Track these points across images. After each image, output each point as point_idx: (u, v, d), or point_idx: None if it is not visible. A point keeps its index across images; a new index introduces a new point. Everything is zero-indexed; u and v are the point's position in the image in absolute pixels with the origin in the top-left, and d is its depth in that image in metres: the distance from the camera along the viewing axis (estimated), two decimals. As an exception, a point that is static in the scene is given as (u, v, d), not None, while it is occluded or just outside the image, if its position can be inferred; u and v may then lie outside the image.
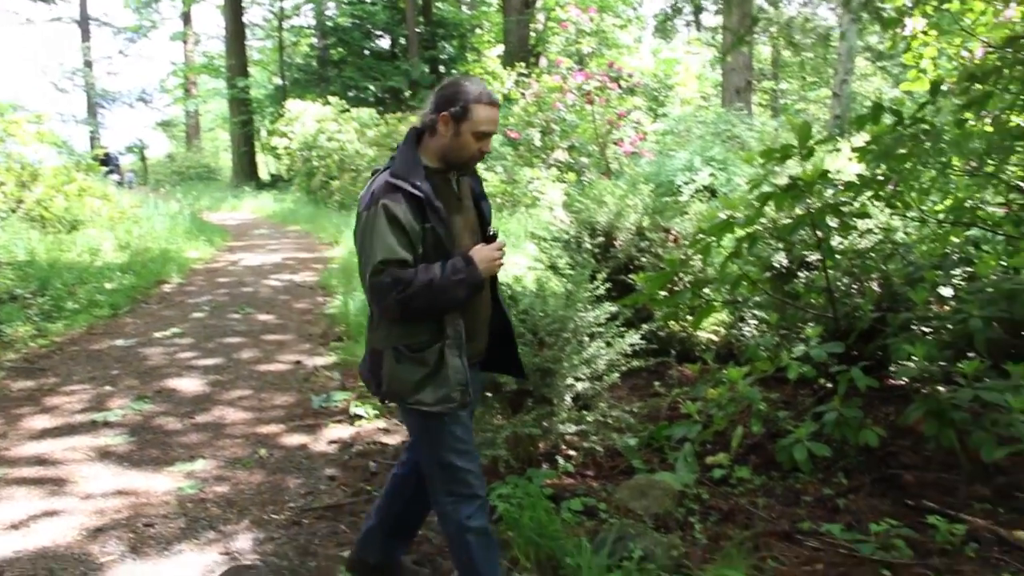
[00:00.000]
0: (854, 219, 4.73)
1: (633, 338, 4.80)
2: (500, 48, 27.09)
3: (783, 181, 4.56)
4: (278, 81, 33.62)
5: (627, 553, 3.42)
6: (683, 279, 6.06)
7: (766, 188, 4.66)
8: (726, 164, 11.94)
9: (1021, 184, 4.92)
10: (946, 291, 4.72)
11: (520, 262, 8.51)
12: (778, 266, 5.53)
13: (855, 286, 5.19)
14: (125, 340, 8.05)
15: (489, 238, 2.97)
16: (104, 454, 5.11)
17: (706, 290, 5.12)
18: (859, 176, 4.70)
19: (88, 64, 44.70)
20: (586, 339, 4.63)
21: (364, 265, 2.81)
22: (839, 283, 5.15)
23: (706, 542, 3.71)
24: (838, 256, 5.08)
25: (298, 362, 7.23)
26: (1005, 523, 3.65)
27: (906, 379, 4.35)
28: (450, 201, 2.94)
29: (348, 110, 22.23)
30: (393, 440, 5.26)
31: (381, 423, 5.58)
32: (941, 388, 3.98)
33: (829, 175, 4.56)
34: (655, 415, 5.18)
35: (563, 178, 14.16)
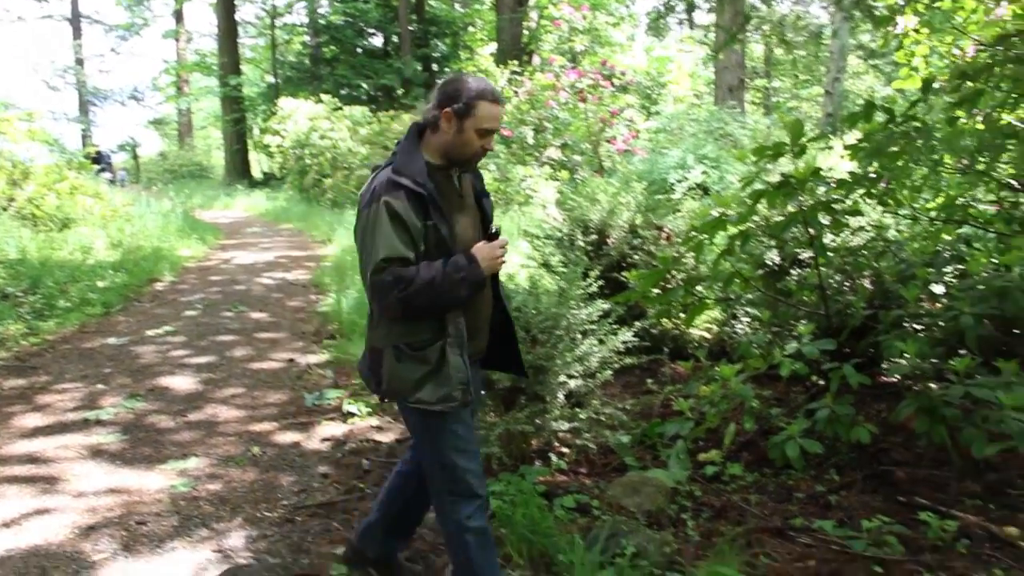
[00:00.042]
0: (846, 217, 4.75)
1: (626, 335, 4.81)
2: (493, 46, 27.10)
3: (775, 179, 4.57)
4: (271, 79, 33.56)
5: (620, 550, 3.43)
6: (676, 277, 6.07)
7: (758, 186, 4.68)
8: (719, 162, 11.96)
9: (1012, 182, 4.94)
10: (938, 288, 4.75)
11: (513, 260, 8.51)
12: (770, 264, 5.55)
13: (847, 283, 5.21)
14: (117, 338, 8.03)
15: (491, 236, 2.92)
16: (96, 452, 5.09)
17: (699, 287, 5.13)
18: (851, 174, 4.71)
19: (80, 62, 44.62)
20: (579, 336, 4.63)
21: (365, 263, 2.77)
22: (831, 280, 5.16)
23: (699, 539, 3.72)
24: (830, 254, 5.10)
25: (291, 360, 7.22)
26: (996, 519, 3.67)
27: (898, 376, 4.37)
28: (452, 198, 2.91)
29: (341, 108, 22.19)
30: (386, 438, 5.26)
31: (374, 421, 5.58)
32: (933, 385, 4.00)
33: (821, 173, 4.57)
34: (648, 412, 5.19)
35: (556, 176, 14.16)
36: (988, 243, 4.91)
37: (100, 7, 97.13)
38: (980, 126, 4.82)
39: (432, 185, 2.76)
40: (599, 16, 27.97)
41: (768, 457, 4.22)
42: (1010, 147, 4.62)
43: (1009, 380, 3.67)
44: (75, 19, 44.38)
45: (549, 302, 4.66)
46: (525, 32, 25.45)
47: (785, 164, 4.76)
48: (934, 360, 4.09)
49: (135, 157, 39.01)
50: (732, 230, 4.79)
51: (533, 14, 26.86)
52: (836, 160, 9.47)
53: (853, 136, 5.52)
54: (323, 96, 22.91)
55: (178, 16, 41.53)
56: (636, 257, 6.42)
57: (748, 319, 5.87)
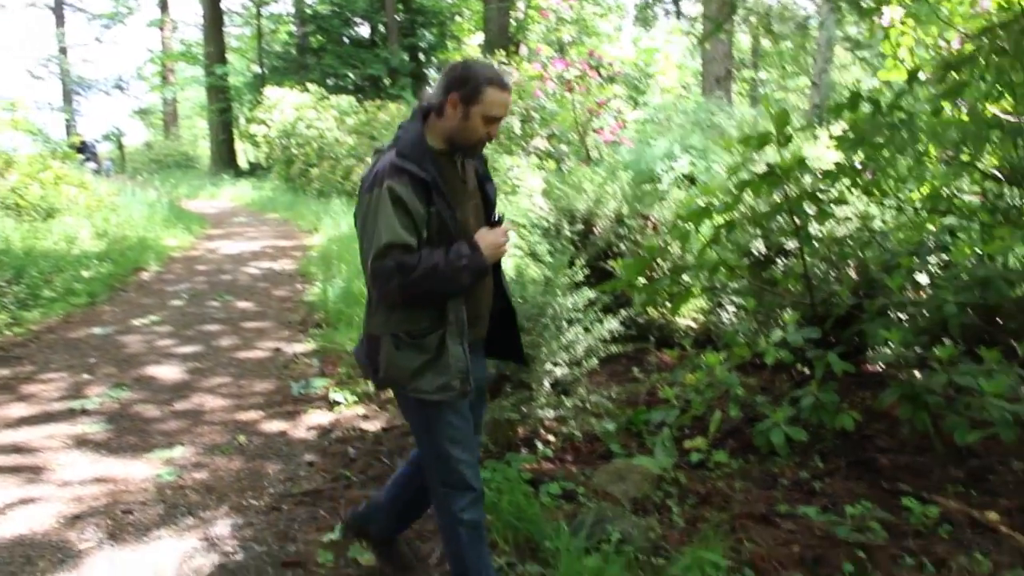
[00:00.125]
0: (832, 206, 4.77)
1: (612, 324, 4.82)
2: (480, 36, 27.03)
3: (761, 169, 4.59)
4: (257, 68, 33.37)
5: (605, 536, 3.45)
6: (662, 266, 6.09)
7: (744, 175, 4.69)
8: (706, 152, 11.96)
9: (996, 173, 4.97)
10: (922, 278, 4.78)
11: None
12: (756, 253, 5.57)
13: (832, 273, 5.24)
14: (103, 328, 7.99)
15: (494, 223, 2.88)
16: (82, 442, 5.08)
17: (684, 277, 5.15)
18: (837, 164, 4.73)
19: (63, 51, 44.20)
20: (565, 325, 4.64)
21: (366, 248, 2.69)
22: (816, 270, 5.19)
23: (684, 525, 3.74)
24: (816, 243, 5.13)
25: (277, 349, 7.22)
26: (978, 505, 3.71)
27: (882, 364, 4.41)
28: (455, 184, 2.84)
29: (327, 98, 22.10)
30: (372, 426, 5.26)
31: (360, 409, 5.58)
32: (916, 373, 4.03)
33: (807, 163, 4.59)
34: (634, 400, 5.21)
35: (543, 166, 14.15)
36: (972, 233, 4.94)
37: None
38: (965, 117, 4.84)
39: (435, 170, 2.71)
40: (586, 6, 27.91)
41: (753, 444, 4.25)
42: (994, 138, 4.65)
43: (991, 368, 3.71)
44: (58, 7, 43.95)
45: (535, 291, 4.67)
46: (512, 22, 25.40)
47: (771, 154, 4.77)
48: (918, 348, 4.12)
49: (120, 147, 38.70)
50: (718, 219, 4.81)
51: (520, 4, 26.79)
52: (822, 150, 9.49)
53: (840, 127, 5.54)
54: (309, 86, 22.81)
55: (163, 5, 41.17)
56: (622, 246, 6.44)
57: (734, 308, 5.89)
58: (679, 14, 30.09)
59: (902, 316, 4.57)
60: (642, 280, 5.17)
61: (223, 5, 33.55)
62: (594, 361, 4.73)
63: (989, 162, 5.05)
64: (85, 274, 10.06)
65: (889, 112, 4.55)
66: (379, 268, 2.63)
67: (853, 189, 4.93)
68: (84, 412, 5.60)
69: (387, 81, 27.85)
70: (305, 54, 30.90)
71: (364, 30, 31.61)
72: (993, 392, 3.56)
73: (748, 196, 4.95)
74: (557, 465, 4.42)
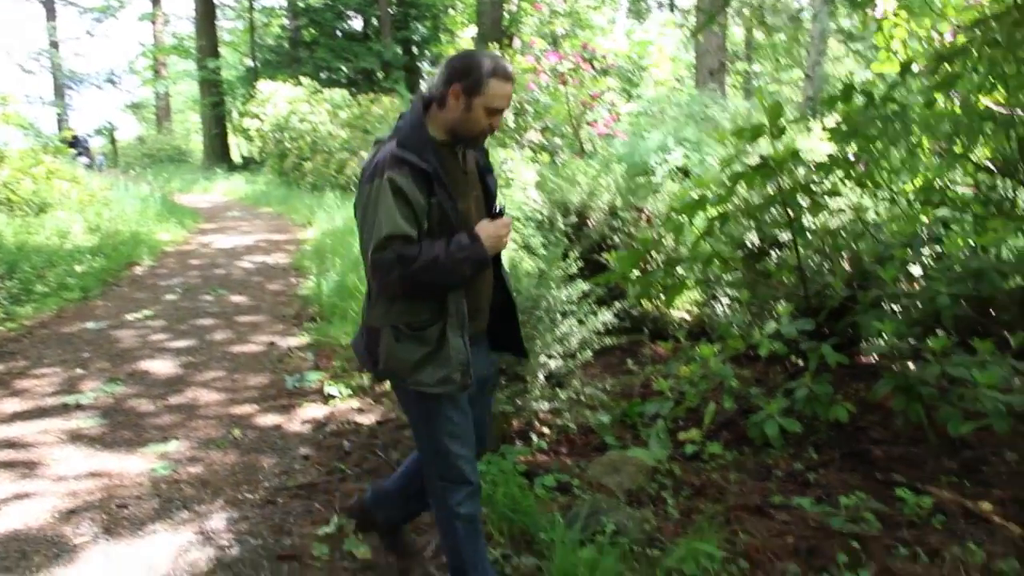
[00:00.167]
0: (825, 198, 4.78)
1: (606, 316, 4.83)
2: (473, 29, 26.95)
3: (755, 161, 4.59)
4: (249, 62, 33.26)
5: (600, 528, 3.46)
6: (656, 258, 6.10)
7: (738, 167, 4.70)
8: (699, 145, 11.97)
9: (989, 164, 4.98)
10: (915, 269, 4.79)
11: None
12: (750, 245, 5.58)
13: (826, 264, 5.25)
14: (96, 323, 7.98)
15: (495, 214, 2.85)
16: (76, 436, 5.07)
17: (678, 269, 5.15)
18: (830, 156, 4.74)
19: (54, 45, 43.99)
20: (559, 317, 4.65)
21: (366, 240, 2.66)
22: (810, 261, 5.20)
23: (678, 516, 3.75)
24: (809, 235, 5.13)
25: (271, 343, 7.21)
26: (971, 495, 3.72)
27: (875, 355, 4.42)
28: (456, 175, 2.81)
29: (320, 91, 22.04)
30: (367, 419, 5.26)
31: (355, 403, 5.58)
32: (910, 364, 4.04)
33: (800, 155, 4.60)
34: (628, 392, 5.22)
35: (536, 159, 14.14)
36: (965, 225, 4.95)
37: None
38: (958, 109, 4.85)
39: (436, 161, 2.68)
40: (579, -1, 27.90)
41: (747, 436, 4.26)
42: (987, 130, 4.66)
43: (984, 359, 3.72)
44: (49, 1, 43.76)
45: (529, 283, 4.67)
46: (506, 15, 25.32)
47: (765, 146, 4.78)
48: (911, 340, 4.13)
49: (113, 141, 38.60)
50: (712, 212, 4.82)
51: (514, -3, 26.75)
52: (816, 142, 9.51)
53: (833, 119, 5.54)
54: (302, 79, 22.75)
55: (155, -2, 41.05)
56: (616, 239, 6.45)
57: (728, 300, 5.90)
58: (672, 6, 30.09)
59: (896, 308, 4.58)
60: (636, 272, 5.18)
61: (215, -1, 33.45)
62: (588, 353, 4.74)
63: (982, 154, 5.06)
64: (78, 269, 10.04)
65: (882, 104, 4.56)
66: (379, 260, 2.61)
67: (846, 181, 4.93)
68: (78, 407, 5.59)
69: (380, 74, 27.80)
70: (298, 48, 30.82)
71: (357, 23, 31.57)
72: (986, 383, 3.57)
73: (742, 188, 4.95)
74: (552, 457, 4.43)
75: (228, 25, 38.40)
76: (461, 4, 31.99)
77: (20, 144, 15.88)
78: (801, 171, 4.76)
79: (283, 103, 21.59)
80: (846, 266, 5.16)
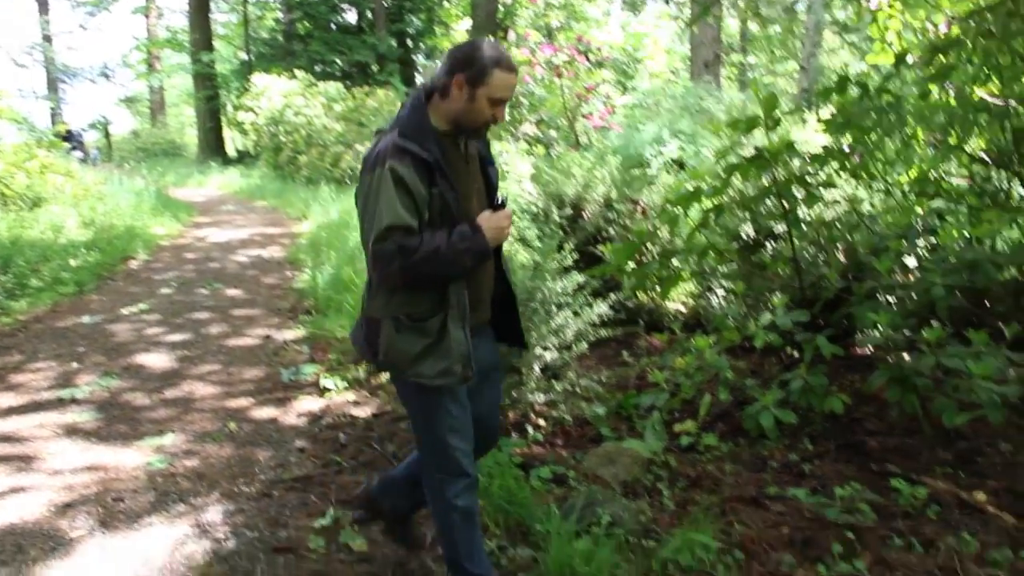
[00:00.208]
0: (820, 190, 4.78)
1: (601, 308, 4.83)
2: (468, 22, 26.90)
3: (750, 152, 4.59)
4: (243, 56, 33.14)
5: (595, 519, 3.47)
6: (651, 250, 6.10)
7: (733, 159, 4.70)
8: (694, 137, 11.97)
9: (983, 156, 4.99)
10: (910, 261, 4.80)
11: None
12: (745, 237, 5.59)
13: (821, 256, 5.26)
14: (91, 317, 7.96)
15: (497, 206, 2.83)
16: (72, 430, 5.06)
17: (674, 261, 5.16)
18: (825, 148, 4.74)
19: (47, 38, 43.78)
20: (554, 309, 4.65)
21: (367, 230, 2.63)
22: (805, 253, 5.21)
23: (674, 508, 3.76)
24: (804, 226, 5.14)
25: (267, 336, 7.20)
26: (965, 486, 3.74)
27: (870, 347, 4.43)
28: (458, 165, 2.78)
29: (315, 84, 21.98)
30: (363, 412, 5.26)
31: (351, 396, 5.58)
32: (905, 355, 4.05)
33: (795, 146, 4.60)
34: (623, 384, 5.22)
35: (532, 151, 14.13)
36: (960, 216, 4.96)
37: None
38: (952, 100, 4.86)
39: (438, 151, 2.65)
40: (574, -9, 27.83)
41: (743, 427, 4.27)
42: (981, 122, 4.67)
43: (979, 350, 3.73)
44: (42, -6, 43.58)
45: (524, 275, 4.67)
46: (500, 7, 25.27)
47: (759, 138, 4.78)
48: (906, 331, 4.14)
49: (107, 135, 38.45)
50: (707, 203, 4.82)
51: (508, -11, 26.69)
52: (810, 134, 9.51)
53: (828, 110, 5.55)
54: (297, 72, 22.67)
55: (148, -9, 40.88)
56: (611, 231, 6.45)
57: (723, 292, 5.91)
58: (667, -1, 30.04)
59: (890, 299, 4.59)
60: (631, 264, 5.18)
61: (209, -8, 33.30)
62: (584, 345, 4.74)
63: (977, 145, 5.07)
64: (72, 263, 10.00)
65: (877, 95, 4.56)
66: (380, 250, 2.58)
67: (841, 172, 4.94)
68: (74, 401, 5.58)
69: (375, 67, 27.71)
70: (292, 41, 30.69)
71: (351, 16, 31.42)
72: (981, 374, 3.58)
73: (737, 180, 4.96)
74: (547, 449, 4.43)
75: (222, 18, 38.26)
76: (456, -4, 31.92)
77: (14, 138, 15.83)
78: (796, 163, 4.76)
79: (278, 96, 21.52)
80: (841, 257, 5.17)
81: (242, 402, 5.54)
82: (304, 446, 4.79)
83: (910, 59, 4.95)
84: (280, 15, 33.31)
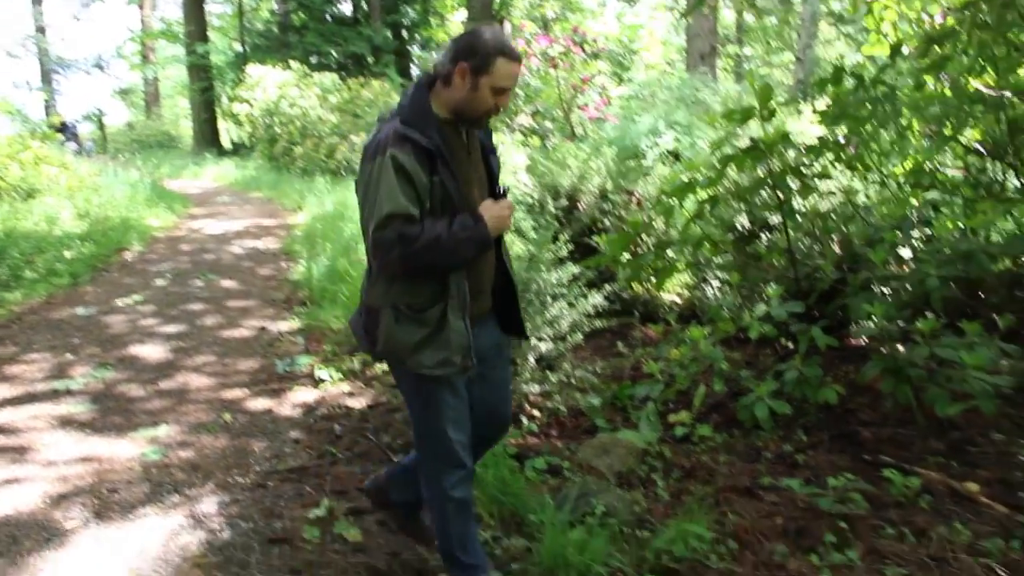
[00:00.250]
0: (815, 181, 4.78)
1: (596, 299, 4.84)
2: (463, 13, 26.85)
3: (745, 143, 4.59)
4: (238, 47, 33.02)
5: (590, 509, 3.48)
6: (646, 241, 6.10)
7: (728, 150, 4.70)
8: (690, 128, 11.95)
9: (978, 147, 4.99)
10: (905, 252, 4.80)
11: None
12: (740, 227, 5.59)
13: (816, 247, 5.26)
14: (85, 308, 7.95)
15: (498, 195, 2.82)
16: (66, 422, 5.06)
17: (669, 252, 5.16)
18: (820, 139, 4.74)
19: (41, 30, 43.59)
20: (549, 300, 4.66)
21: (367, 218, 2.61)
22: (800, 244, 5.21)
23: (668, 498, 3.77)
24: (799, 217, 5.14)
25: (262, 328, 7.20)
26: (957, 476, 3.75)
27: (865, 338, 4.44)
28: (460, 154, 2.77)
29: (310, 76, 21.92)
30: (358, 403, 5.26)
31: (345, 387, 5.58)
32: (899, 346, 4.06)
33: (790, 137, 4.60)
34: (618, 375, 5.23)
35: (527, 142, 14.12)
36: (955, 207, 4.97)
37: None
38: (947, 91, 4.85)
39: (440, 139, 2.64)
40: (570, -18, 27.80)
41: (737, 418, 4.28)
42: (976, 113, 4.67)
43: (972, 341, 3.74)
44: (36, -15, 43.38)
45: (519, 266, 4.67)
46: (496, -2, 25.25)
47: (755, 129, 4.78)
48: (900, 322, 4.15)
49: (101, 127, 38.32)
50: (702, 194, 4.82)
51: (504, -20, 26.64)
52: (806, 125, 9.50)
53: (823, 102, 5.55)
54: (292, 64, 22.60)
55: (143, -18, 40.70)
56: (606, 222, 6.45)
57: (718, 283, 5.92)
58: (663, -10, 30.00)
59: (885, 290, 4.59)
60: (626, 255, 5.18)
61: (204, -18, 33.17)
62: (579, 336, 4.75)
63: (972, 136, 5.07)
64: (67, 255, 9.98)
65: (872, 86, 4.56)
66: (380, 238, 2.56)
67: (836, 164, 4.94)
68: (68, 392, 5.57)
69: (370, 59, 27.63)
70: (287, 32, 30.59)
71: (346, 7, 31.33)
72: (974, 365, 3.59)
73: (732, 171, 4.95)
74: (542, 440, 4.44)
75: (217, 9, 38.09)
76: (451, -13, 31.84)
77: (7, 130, 15.80)
78: (791, 154, 4.76)
79: (273, 88, 21.45)
80: (836, 248, 5.18)
81: (237, 393, 5.54)
82: (299, 437, 4.79)
83: (905, 50, 4.95)
84: (275, 6, 33.14)
